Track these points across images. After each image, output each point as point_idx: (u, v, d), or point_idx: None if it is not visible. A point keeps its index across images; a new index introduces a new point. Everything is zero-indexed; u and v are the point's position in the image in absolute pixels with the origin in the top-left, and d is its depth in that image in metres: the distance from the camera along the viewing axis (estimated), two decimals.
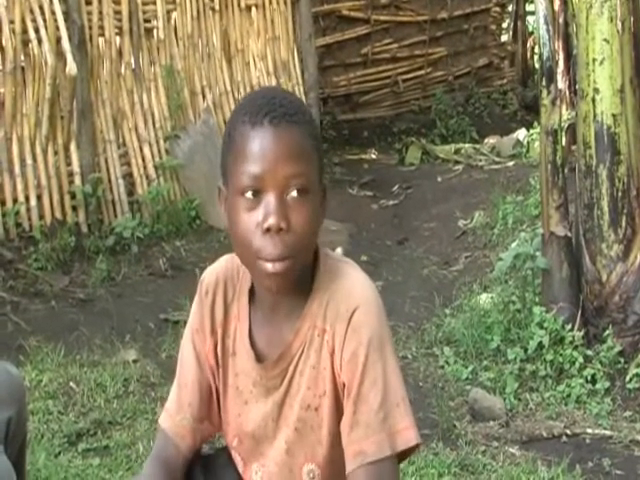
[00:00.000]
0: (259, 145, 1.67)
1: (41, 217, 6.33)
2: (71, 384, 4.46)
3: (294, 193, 1.68)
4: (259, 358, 1.82)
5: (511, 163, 8.57)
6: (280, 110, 1.69)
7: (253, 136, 1.68)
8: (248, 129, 1.69)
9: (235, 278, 1.87)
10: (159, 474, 1.85)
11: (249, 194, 1.69)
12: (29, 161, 6.39)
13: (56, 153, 6.53)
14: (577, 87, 4.89)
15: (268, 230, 1.68)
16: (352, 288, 1.77)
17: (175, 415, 1.89)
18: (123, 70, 7.08)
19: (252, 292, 1.85)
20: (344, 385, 1.75)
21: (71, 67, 6.39)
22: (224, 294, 1.87)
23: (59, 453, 3.84)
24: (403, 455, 1.78)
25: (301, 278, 1.77)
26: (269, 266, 1.69)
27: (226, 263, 1.89)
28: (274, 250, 1.68)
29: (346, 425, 1.75)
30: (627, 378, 4.33)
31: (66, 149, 6.59)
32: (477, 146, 9.44)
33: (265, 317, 1.82)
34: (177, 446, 1.88)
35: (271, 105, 1.70)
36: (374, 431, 1.73)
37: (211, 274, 1.90)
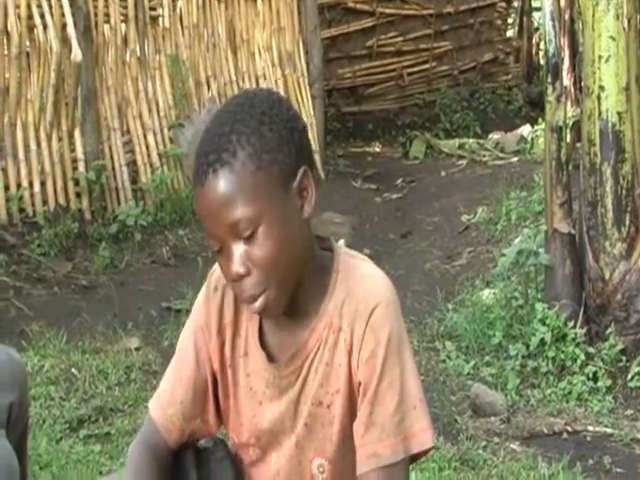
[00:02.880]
0: (199, 208, 1.68)
1: (44, 203, 6.33)
2: (73, 370, 4.47)
3: (246, 234, 1.65)
4: (271, 358, 1.79)
5: (515, 159, 8.57)
6: (206, 161, 1.65)
7: (196, 200, 1.69)
8: (194, 195, 1.70)
9: None
10: (146, 460, 1.84)
11: (217, 250, 1.70)
12: (33, 147, 6.39)
13: (60, 139, 6.53)
14: (582, 84, 4.88)
15: (233, 280, 1.69)
16: (371, 287, 1.74)
17: (166, 408, 1.85)
18: (128, 58, 7.08)
19: None
20: (360, 384, 1.73)
21: (76, 53, 6.38)
22: (234, 293, 1.82)
23: (60, 439, 3.86)
24: (417, 456, 1.76)
25: (312, 279, 1.75)
26: (251, 307, 1.71)
27: None
28: (245, 294, 1.69)
29: (361, 425, 1.72)
30: (629, 376, 4.33)
31: (70, 135, 6.58)
32: (481, 141, 9.43)
33: (277, 318, 1.78)
34: (164, 438, 1.85)
35: (199, 160, 1.67)
36: (389, 434, 1.71)
37: (224, 277, 1.83)
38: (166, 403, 1.85)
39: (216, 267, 1.85)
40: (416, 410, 1.72)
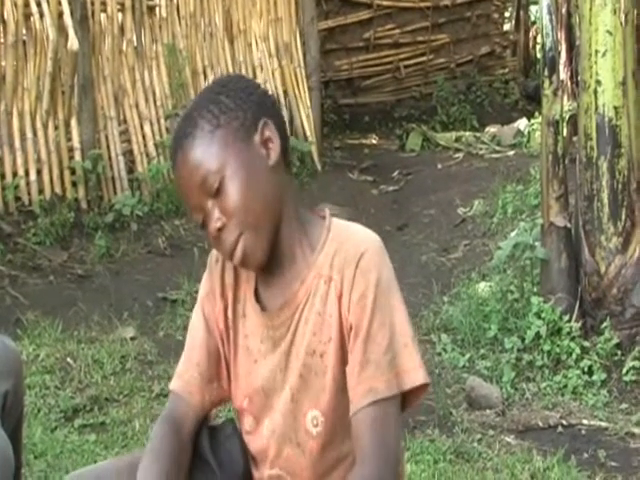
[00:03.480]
0: (177, 185, 1.86)
1: (40, 192, 6.32)
2: (68, 359, 4.47)
3: (214, 189, 1.79)
4: (264, 309, 1.88)
5: (511, 152, 8.57)
6: (175, 143, 1.83)
7: (175, 183, 1.90)
8: (174, 178, 1.89)
9: None
10: (168, 435, 1.88)
11: (201, 223, 1.84)
12: (29, 135, 6.38)
13: (56, 128, 6.52)
14: (579, 78, 4.88)
15: (215, 237, 1.82)
16: (360, 237, 1.84)
17: (184, 374, 1.94)
18: (125, 47, 7.07)
19: None
20: (351, 327, 1.79)
21: (73, 42, 6.37)
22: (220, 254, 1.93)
23: (55, 428, 3.86)
24: (410, 400, 1.82)
25: (303, 234, 1.85)
26: (234, 261, 1.83)
27: None
28: (224, 246, 1.82)
29: (356, 364, 1.78)
30: (624, 370, 4.34)
31: (67, 124, 6.57)
32: (478, 134, 9.43)
33: (270, 273, 1.88)
34: (187, 403, 1.92)
35: (172, 144, 1.85)
36: (383, 371, 1.77)
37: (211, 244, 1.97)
38: (183, 371, 1.95)
39: None
40: (407, 348, 1.79)
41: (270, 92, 1.95)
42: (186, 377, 1.93)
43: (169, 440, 1.88)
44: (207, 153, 1.79)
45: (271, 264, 1.85)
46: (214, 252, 1.95)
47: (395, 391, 1.77)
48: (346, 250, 1.81)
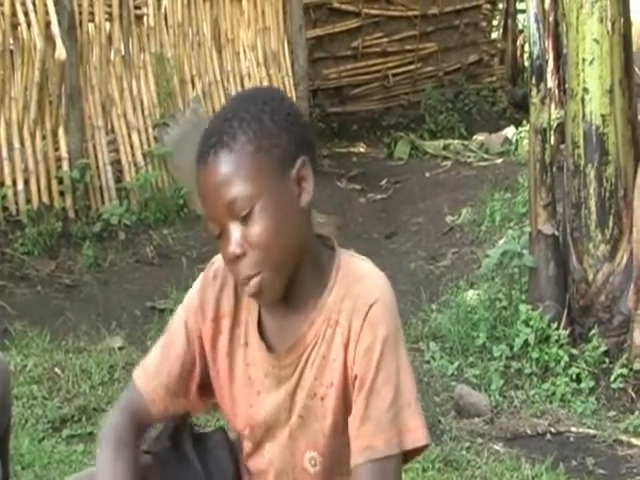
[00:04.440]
0: (201, 190, 1.74)
1: (28, 201, 6.31)
2: (56, 369, 4.45)
3: (243, 214, 1.70)
4: (270, 349, 1.82)
5: (499, 160, 8.59)
6: (208, 143, 1.73)
7: (198, 183, 1.75)
8: (197, 173, 1.75)
9: None
10: (130, 427, 1.86)
11: (217, 235, 1.75)
12: (17, 145, 6.37)
13: (44, 138, 6.51)
14: (566, 86, 4.90)
15: (230, 260, 1.74)
16: (370, 284, 1.77)
17: (152, 378, 1.88)
18: (113, 56, 7.07)
19: None
20: (356, 378, 1.75)
21: (60, 52, 6.36)
22: (235, 283, 1.85)
23: (43, 438, 3.83)
24: (409, 456, 1.79)
25: (313, 273, 1.79)
26: (246, 289, 1.75)
27: None
28: (240, 275, 1.74)
29: (356, 418, 1.75)
30: (612, 378, 4.34)
31: (54, 134, 6.56)
32: (466, 142, 9.45)
33: (276, 309, 1.82)
34: (147, 408, 1.88)
35: (203, 142, 1.74)
36: (384, 428, 1.73)
37: (223, 261, 1.87)
38: (152, 374, 1.88)
39: (217, 259, 1.89)
40: (411, 407, 1.76)
41: (308, 122, 1.90)
42: (154, 383, 1.87)
43: (131, 432, 1.85)
44: (243, 174, 1.70)
45: (281, 301, 1.80)
46: (214, 265, 1.88)
47: (395, 450, 1.73)
48: (356, 297, 1.76)
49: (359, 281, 1.78)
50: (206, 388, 1.91)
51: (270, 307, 1.80)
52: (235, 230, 1.71)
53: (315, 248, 1.81)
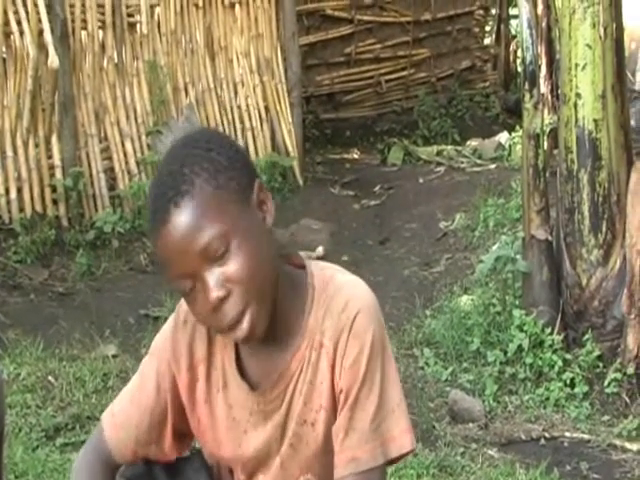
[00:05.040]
0: (166, 248, 1.65)
1: (21, 210, 6.30)
2: (50, 378, 4.44)
3: (217, 255, 1.64)
4: (253, 386, 1.77)
5: (493, 166, 8.58)
6: (165, 198, 1.65)
7: (159, 245, 1.66)
8: (155, 241, 1.67)
9: None
10: (100, 471, 1.83)
11: (188, 292, 1.67)
12: (10, 153, 6.36)
13: (37, 146, 6.50)
14: (559, 92, 4.91)
15: (215, 308, 1.65)
16: (349, 296, 1.74)
17: (119, 429, 1.83)
18: (106, 64, 7.06)
19: None
20: (341, 391, 1.72)
21: (53, 60, 6.35)
22: (208, 328, 1.79)
23: (37, 447, 3.83)
24: (396, 458, 1.76)
25: (289, 299, 1.74)
26: (238, 333, 1.67)
27: None
28: (228, 317, 1.66)
29: (340, 430, 1.72)
30: (605, 382, 4.35)
31: (47, 142, 6.56)
32: (459, 148, 9.45)
33: (255, 346, 1.76)
34: (113, 456, 1.84)
35: (158, 200, 1.67)
36: (367, 440, 1.71)
37: (197, 315, 1.78)
38: (120, 423, 1.84)
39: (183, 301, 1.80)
40: (395, 413, 1.73)
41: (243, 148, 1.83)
42: (121, 434, 1.83)
43: (101, 476, 1.82)
44: (211, 215, 1.63)
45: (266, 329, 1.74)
46: (182, 308, 1.80)
47: (380, 461, 1.71)
48: (337, 313, 1.71)
49: (337, 295, 1.73)
50: (183, 434, 1.86)
51: (256, 343, 1.73)
52: (212, 275, 1.64)
53: (284, 268, 1.76)
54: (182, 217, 1.63)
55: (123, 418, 1.83)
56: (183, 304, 1.79)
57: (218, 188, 1.66)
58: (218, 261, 1.64)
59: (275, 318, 1.71)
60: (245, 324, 1.66)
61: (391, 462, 1.77)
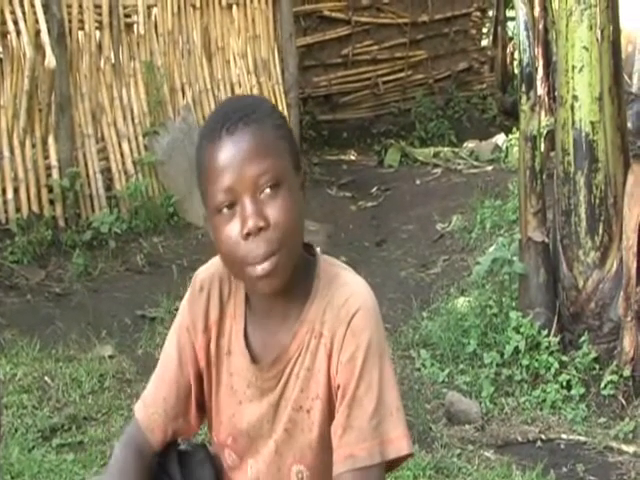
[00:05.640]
0: (222, 159, 1.69)
1: (18, 210, 6.30)
2: (46, 379, 4.44)
3: (267, 190, 1.69)
4: (254, 359, 1.81)
5: (490, 168, 8.59)
6: (235, 116, 1.70)
7: (215, 153, 1.70)
8: (210, 148, 1.71)
9: (231, 277, 1.85)
10: (132, 460, 1.85)
11: (225, 209, 1.70)
12: (6, 153, 6.35)
13: (34, 146, 6.50)
14: (556, 94, 4.91)
15: (249, 234, 1.68)
16: (352, 293, 1.77)
17: (149, 407, 1.89)
18: (103, 64, 7.06)
19: (247, 293, 1.85)
20: (339, 387, 1.75)
21: (50, 60, 6.35)
22: (219, 291, 1.85)
23: (33, 448, 3.82)
24: (393, 464, 1.78)
25: (297, 281, 1.77)
26: (258, 269, 1.70)
27: (221, 262, 1.84)
28: (258, 250, 1.69)
29: (338, 427, 1.74)
30: (602, 384, 4.34)
31: (44, 142, 6.55)
32: (456, 150, 9.46)
33: (260, 320, 1.81)
34: (147, 439, 1.88)
35: (226, 116, 1.71)
36: (366, 437, 1.72)
37: (206, 271, 1.89)
38: (149, 402, 1.89)
39: (200, 271, 1.90)
40: (393, 417, 1.74)
41: None
42: (150, 411, 1.89)
43: (134, 465, 1.85)
44: (275, 152, 1.71)
45: (265, 311, 1.80)
46: (198, 277, 1.87)
47: (377, 460, 1.73)
48: (337, 307, 1.75)
49: (340, 290, 1.77)
50: (203, 406, 1.91)
51: (271, 294, 1.75)
52: (254, 203, 1.68)
53: (302, 253, 1.81)
54: (249, 136, 1.69)
55: (151, 397, 1.90)
56: (199, 274, 1.87)
57: (284, 138, 1.73)
58: (263, 194, 1.69)
59: (289, 286, 1.74)
60: (268, 265, 1.69)
61: (390, 468, 1.78)
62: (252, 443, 1.84)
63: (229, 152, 1.68)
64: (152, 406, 1.89)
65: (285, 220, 1.69)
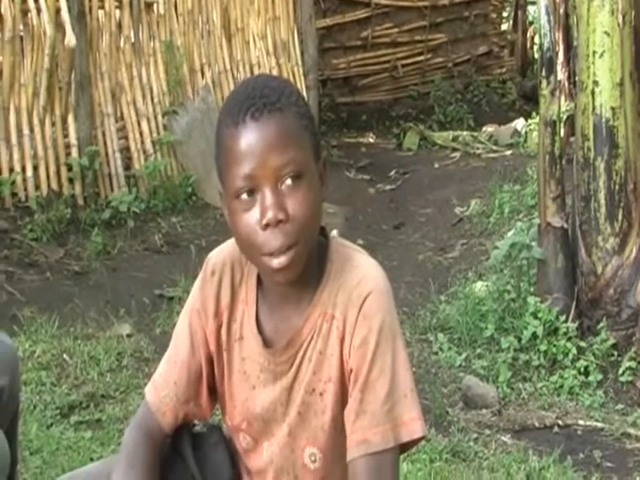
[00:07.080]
0: (244, 144, 1.66)
1: (37, 188, 6.32)
2: (65, 356, 4.46)
3: (288, 181, 1.67)
4: (267, 344, 1.81)
5: (508, 152, 8.57)
6: (260, 102, 1.67)
7: (237, 137, 1.67)
8: (232, 131, 1.68)
9: (243, 261, 1.84)
10: (142, 443, 1.84)
11: (244, 195, 1.68)
12: (26, 131, 6.37)
13: (53, 124, 6.51)
14: (577, 79, 4.89)
15: (267, 225, 1.67)
16: (364, 276, 1.75)
17: (160, 390, 1.88)
18: (122, 44, 7.06)
19: (259, 277, 1.83)
20: (351, 371, 1.74)
21: (70, 38, 6.35)
22: (231, 276, 1.84)
23: (51, 425, 3.84)
24: (408, 445, 1.77)
25: (310, 266, 1.75)
26: (274, 261, 1.69)
27: (234, 246, 1.82)
28: (276, 243, 1.67)
29: (351, 412, 1.73)
30: (620, 371, 4.34)
31: (64, 121, 6.56)
32: (475, 134, 9.43)
33: (273, 304, 1.81)
34: (157, 421, 1.87)
35: (250, 99, 1.68)
36: (379, 422, 1.72)
37: (218, 255, 1.87)
38: (160, 385, 1.88)
39: (212, 255, 1.88)
40: (407, 399, 1.74)
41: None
42: (162, 394, 1.87)
43: (144, 448, 1.83)
44: (298, 143, 1.68)
45: (278, 295, 1.79)
46: (210, 261, 1.86)
47: (391, 444, 1.72)
48: (349, 290, 1.74)
49: (352, 273, 1.75)
50: (215, 390, 1.90)
51: (287, 286, 1.75)
52: (275, 194, 1.66)
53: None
54: (275, 124, 1.66)
55: (162, 380, 1.88)
56: (211, 258, 1.86)
57: (306, 128, 1.71)
58: (284, 185, 1.67)
59: (303, 272, 1.73)
60: (285, 259, 1.68)
61: (403, 449, 1.78)
62: (266, 426, 1.84)
63: (253, 138, 1.66)
64: (163, 389, 1.87)
65: (304, 213, 1.67)
